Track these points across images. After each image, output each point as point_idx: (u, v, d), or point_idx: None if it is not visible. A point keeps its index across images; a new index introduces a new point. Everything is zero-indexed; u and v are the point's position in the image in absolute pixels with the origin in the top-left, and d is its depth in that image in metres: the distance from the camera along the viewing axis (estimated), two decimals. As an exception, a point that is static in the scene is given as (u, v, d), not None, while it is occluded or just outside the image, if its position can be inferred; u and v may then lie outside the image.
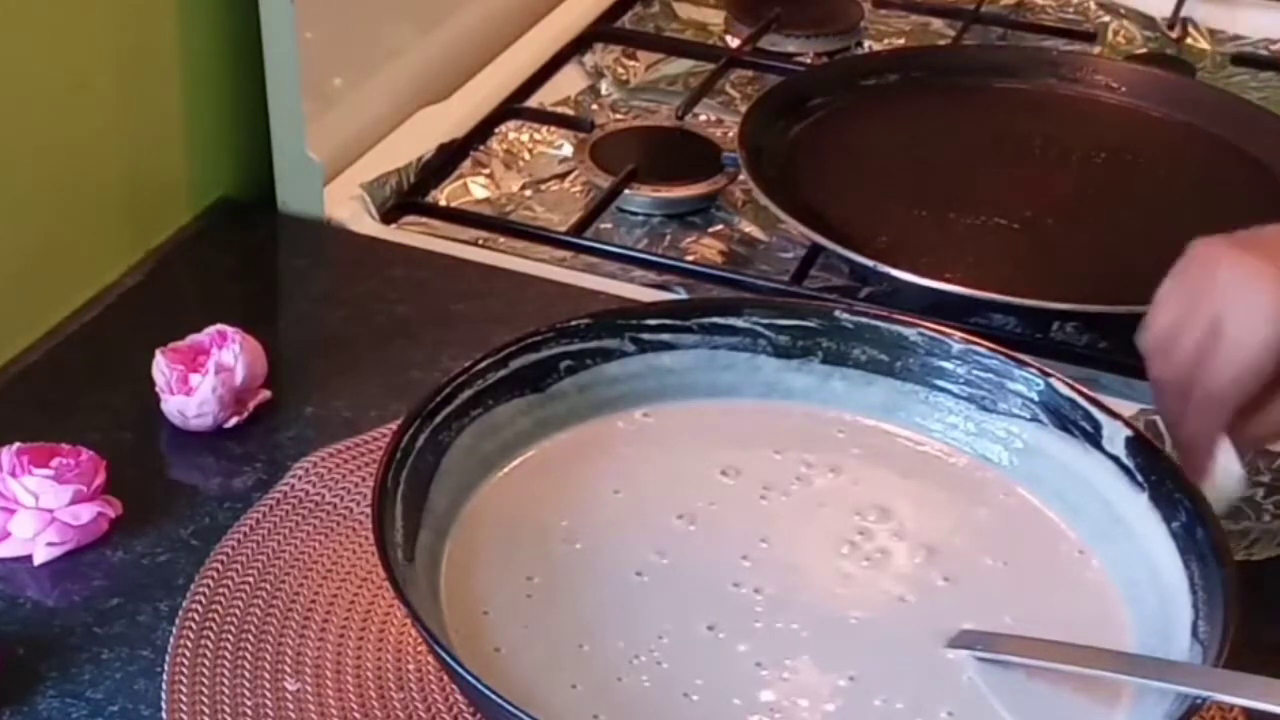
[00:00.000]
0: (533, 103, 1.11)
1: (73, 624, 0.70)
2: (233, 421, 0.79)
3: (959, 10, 1.26)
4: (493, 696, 0.57)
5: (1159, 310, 0.71)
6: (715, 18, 1.24)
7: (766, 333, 0.76)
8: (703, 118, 1.11)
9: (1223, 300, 0.68)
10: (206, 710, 0.65)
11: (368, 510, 0.65)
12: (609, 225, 1.00)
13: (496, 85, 1.11)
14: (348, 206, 0.97)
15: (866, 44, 1.22)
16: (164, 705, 0.66)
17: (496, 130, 1.07)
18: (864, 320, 0.75)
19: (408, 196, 1.00)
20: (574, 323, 0.74)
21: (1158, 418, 0.77)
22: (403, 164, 1.01)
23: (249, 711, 0.65)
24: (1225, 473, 0.70)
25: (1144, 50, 1.23)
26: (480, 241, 0.97)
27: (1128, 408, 0.75)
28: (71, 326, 0.87)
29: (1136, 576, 0.67)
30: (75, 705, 0.66)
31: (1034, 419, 0.73)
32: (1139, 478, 0.69)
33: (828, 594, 0.68)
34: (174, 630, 0.69)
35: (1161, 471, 0.68)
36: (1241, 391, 0.68)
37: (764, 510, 0.71)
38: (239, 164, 0.98)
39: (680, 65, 1.18)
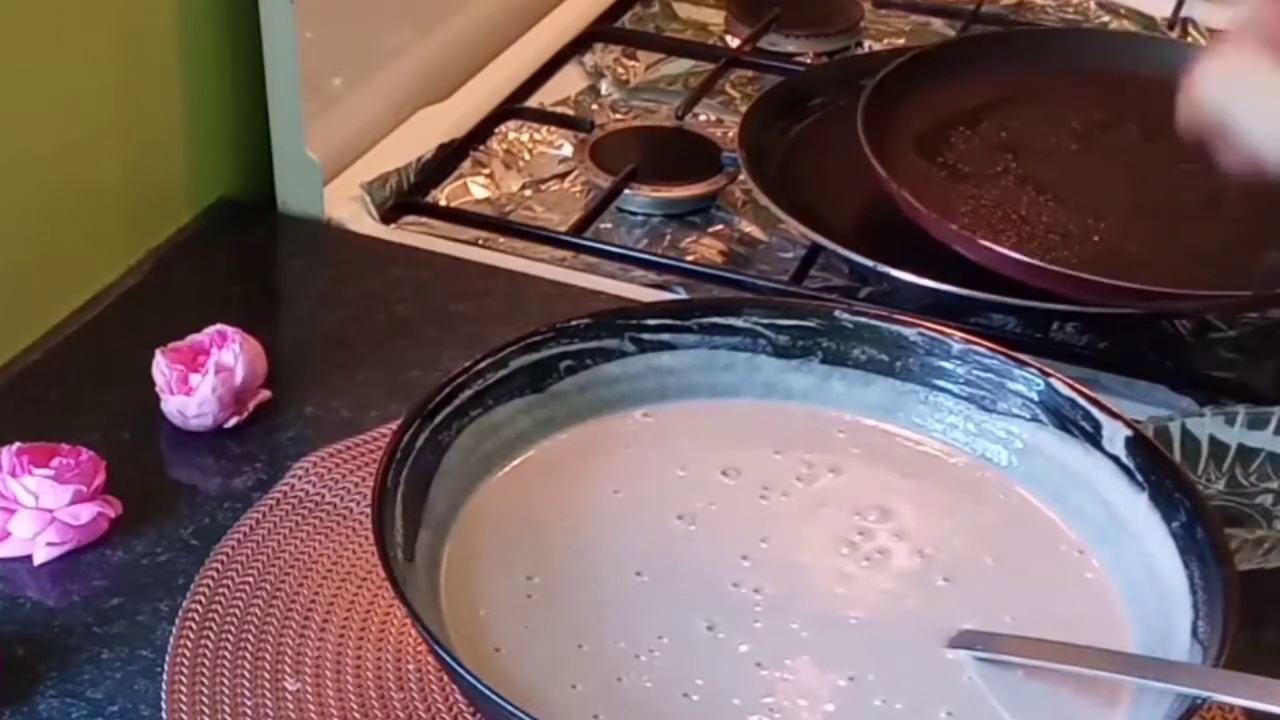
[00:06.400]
0: (533, 103, 1.11)
1: (73, 624, 0.70)
2: (233, 421, 0.79)
3: (959, 10, 1.26)
4: (493, 696, 0.57)
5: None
6: (715, 18, 1.24)
7: (766, 333, 0.76)
8: (703, 118, 1.11)
9: None
10: (206, 710, 0.65)
11: (368, 510, 0.65)
12: (609, 225, 1.00)
13: (496, 85, 1.11)
14: (348, 206, 0.97)
15: (866, 44, 1.21)
16: (164, 705, 0.66)
17: (496, 130, 1.07)
18: (864, 320, 0.75)
19: (408, 196, 1.00)
20: (574, 323, 0.74)
21: (1168, 423, 0.77)
22: (403, 164, 1.01)
23: (249, 711, 0.65)
24: None
25: (1144, 50, 1.23)
26: (480, 241, 0.96)
27: (1128, 408, 0.75)
28: (71, 326, 0.87)
29: (1136, 576, 0.67)
30: (75, 705, 0.66)
31: (1034, 419, 0.72)
32: (1139, 478, 0.69)
33: (828, 594, 0.68)
34: (174, 630, 0.69)
35: (1161, 471, 0.68)
36: None
37: (764, 510, 0.71)
38: (239, 164, 0.97)
39: (680, 65, 1.18)
